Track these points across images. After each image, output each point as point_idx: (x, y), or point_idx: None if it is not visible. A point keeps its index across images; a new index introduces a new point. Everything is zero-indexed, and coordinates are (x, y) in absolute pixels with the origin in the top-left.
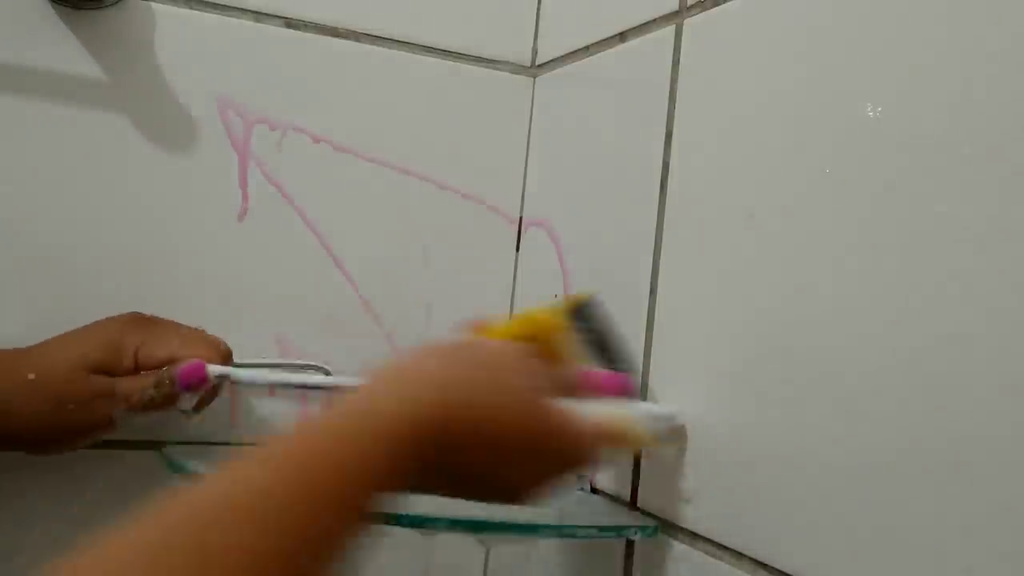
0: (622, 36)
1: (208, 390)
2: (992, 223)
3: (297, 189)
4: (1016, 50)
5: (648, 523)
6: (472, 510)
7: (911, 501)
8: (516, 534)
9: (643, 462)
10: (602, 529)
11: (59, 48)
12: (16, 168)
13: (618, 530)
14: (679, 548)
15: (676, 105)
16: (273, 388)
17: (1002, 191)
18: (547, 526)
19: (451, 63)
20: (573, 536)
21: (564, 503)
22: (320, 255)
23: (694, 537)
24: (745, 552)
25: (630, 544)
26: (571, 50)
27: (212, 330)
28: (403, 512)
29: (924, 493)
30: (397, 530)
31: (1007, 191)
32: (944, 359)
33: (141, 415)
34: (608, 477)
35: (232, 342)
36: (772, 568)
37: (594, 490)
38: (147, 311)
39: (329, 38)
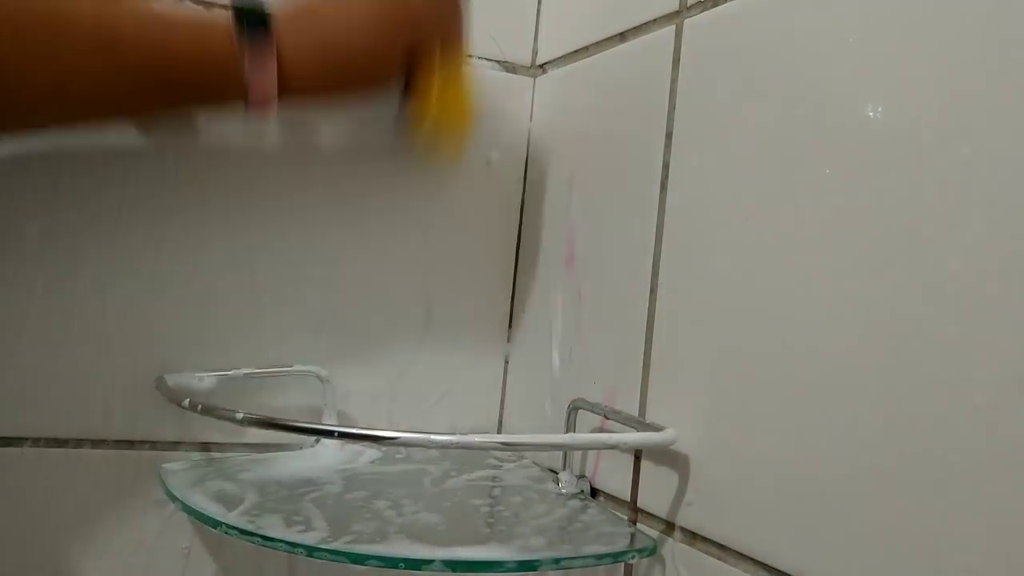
0: (622, 36)
1: None
2: (993, 224)
3: None
4: (1017, 50)
5: (648, 531)
6: (469, 552)
7: (911, 501)
8: (514, 571)
9: (643, 462)
10: (600, 557)
11: None
12: (16, 169)
13: (615, 556)
14: (679, 548)
15: (676, 105)
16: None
17: (1003, 192)
18: (545, 560)
19: None
20: (570, 568)
21: (562, 509)
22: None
23: (694, 537)
24: (745, 552)
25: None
26: (571, 50)
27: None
28: (398, 555)
29: (924, 492)
30: (392, 572)
31: (1008, 192)
32: (944, 362)
33: None
34: (609, 477)
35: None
36: (772, 568)
37: (594, 490)
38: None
39: None
